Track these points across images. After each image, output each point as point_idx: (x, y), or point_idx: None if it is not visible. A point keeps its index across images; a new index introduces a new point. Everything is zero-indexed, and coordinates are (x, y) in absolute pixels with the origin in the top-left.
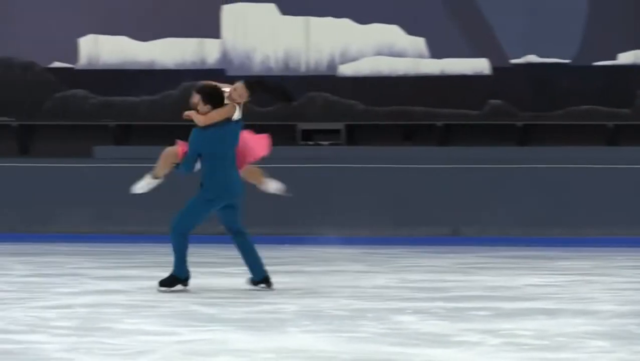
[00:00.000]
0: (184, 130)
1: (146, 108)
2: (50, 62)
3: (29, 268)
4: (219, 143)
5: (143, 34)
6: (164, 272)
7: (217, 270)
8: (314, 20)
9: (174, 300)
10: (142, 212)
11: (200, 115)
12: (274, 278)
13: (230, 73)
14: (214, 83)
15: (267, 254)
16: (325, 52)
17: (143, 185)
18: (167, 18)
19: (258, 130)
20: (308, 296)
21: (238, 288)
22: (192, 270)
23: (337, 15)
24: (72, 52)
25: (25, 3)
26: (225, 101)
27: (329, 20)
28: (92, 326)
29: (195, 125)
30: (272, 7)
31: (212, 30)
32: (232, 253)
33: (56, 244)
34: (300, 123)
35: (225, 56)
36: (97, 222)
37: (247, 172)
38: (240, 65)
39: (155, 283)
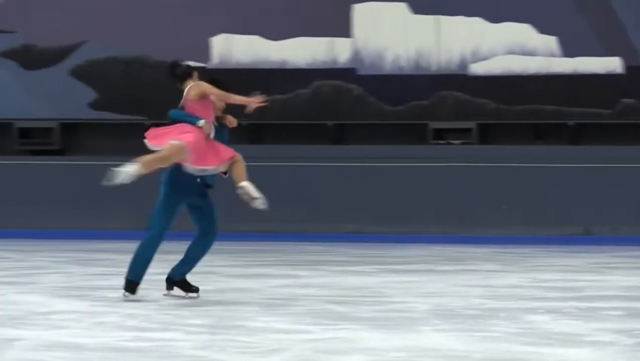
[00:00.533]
0: (315, 129)
1: (278, 107)
2: (183, 62)
3: (162, 266)
4: None
5: (275, 33)
6: (298, 270)
7: (348, 269)
8: (445, 19)
9: (306, 298)
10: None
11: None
12: (403, 277)
13: (362, 72)
14: None
15: (398, 253)
16: (456, 51)
17: (127, 175)
18: (298, 17)
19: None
20: (439, 295)
21: (368, 287)
22: (322, 268)
23: (469, 14)
24: (204, 51)
25: (158, 2)
26: None
27: (460, 19)
28: (225, 324)
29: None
30: (402, 6)
31: (343, 29)
32: (363, 251)
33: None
34: (431, 122)
35: (356, 55)
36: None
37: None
38: (371, 64)
39: (289, 281)
